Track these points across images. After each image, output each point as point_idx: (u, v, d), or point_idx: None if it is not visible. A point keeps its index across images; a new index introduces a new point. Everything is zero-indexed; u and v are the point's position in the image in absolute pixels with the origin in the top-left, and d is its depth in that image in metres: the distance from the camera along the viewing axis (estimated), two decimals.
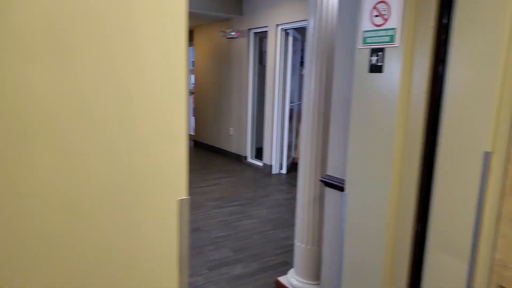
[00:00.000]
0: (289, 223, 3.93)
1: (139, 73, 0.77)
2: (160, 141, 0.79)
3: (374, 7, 1.57)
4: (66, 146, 0.72)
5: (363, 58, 1.66)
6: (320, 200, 2.46)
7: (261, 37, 6.70)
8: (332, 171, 2.21)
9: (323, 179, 2.23)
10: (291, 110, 6.44)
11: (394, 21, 1.50)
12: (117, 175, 0.77)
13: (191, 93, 9.44)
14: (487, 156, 1.32)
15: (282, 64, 6.08)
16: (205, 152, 7.79)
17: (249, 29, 6.58)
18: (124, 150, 0.77)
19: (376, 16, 1.57)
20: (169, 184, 0.79)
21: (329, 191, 2.23)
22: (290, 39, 5.98)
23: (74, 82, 0.71)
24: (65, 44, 0.69)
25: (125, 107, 0.77)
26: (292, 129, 6.67)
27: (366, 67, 1.66)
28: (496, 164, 1.31)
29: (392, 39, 1.52)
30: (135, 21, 0.75)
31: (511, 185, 1.27)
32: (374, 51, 1.60)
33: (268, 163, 6.35)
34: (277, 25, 5.94)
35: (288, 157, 6.44)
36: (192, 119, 9.12)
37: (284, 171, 6.32)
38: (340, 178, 2.13)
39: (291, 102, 6.37)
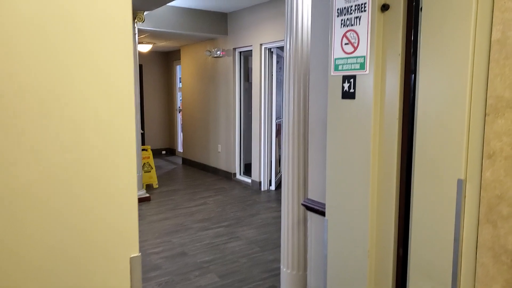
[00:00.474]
0: (277, 244, 3.88)
1: (84, 130, 0.75)
2: (110, 199, 0.76)
3: (344, 35, 1.57)
4: (17, 204, 0.68)
5: (336, 85, 1.65)
6: (304, 224, 2.43)
7: (246, 55, 6.74)
8: (313, 195, 2.18)
9: (305, 204, 2.20)
10: (278, 125, 6.44)
11: (363, 49, 1.50)
12: (66, 235, 0.73)
13: (179, 110, 9.43)
14: (461, 184, 1.30)
15: (268, 81, 6.11)
16: (194, 170, 7.73)
17: (234, 48, 6.63)
18: (74, 209, 0.74)
19: (346, 44, 1.56)
20: (120, 242, 0.76)
21: (311, 216, 2.20)
22: (274, 57, 6.03)
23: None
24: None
25: (75, 166, 0.74)
26: (280, 144, 6.66)
27: (339, 93, 1.65)
28: (470, 192, 1.29)
29: (362, 66, 1.52)
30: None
31: (486, 213, 1.26)
32: (346, 78, 1.60)
33: (257, 179, 6.31)
34: (261, 44, 5.99)
35: (277, 173, 6.41)
36: (180, 135, 9.09)
37: (273, 187, 6.28)
38: (321, 203, 2.10)
39: (278, 117, 6.38)
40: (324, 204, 2.00)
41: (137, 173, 5.23)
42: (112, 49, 0.75)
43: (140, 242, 3.99)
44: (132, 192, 0.76)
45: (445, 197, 1.35)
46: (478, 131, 1.24)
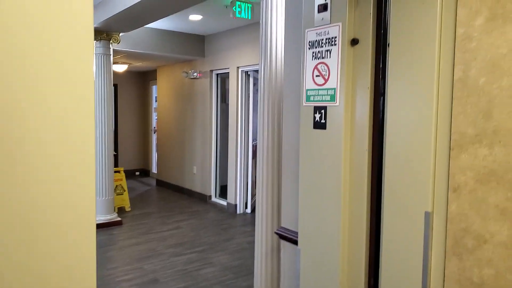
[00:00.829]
0: (252, 270, 3.81)
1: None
2: (67, 247, 0.72)
3: (315, 68, 1.60)
4: None
5: (308, 115, 1.67)
6: (277, 252, 2.40)
7: (224, 77, 6.78)
8: (286, 223, 2.17)
9: (278, 232, 2.18)
10: (254, 147, 6.45)
11: (333, 82, 1.53)
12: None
13: (154, 130, 9.32)
14: (428, 216, 1.33)
15: (244, 103, 6.15)
16: (168, 192, 7.59)
17: (211, 70, 6.66)
18: (26, 258, 0.70)
19: (317, 76, 1.59)
20: None
21: (284, 245, 2.18)
22: (251, 79, 6.10)
23: None
24: None
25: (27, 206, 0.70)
26: (257, 166, 6.65)
27: (311, 123, 1.67)
28: (437, 224, 1.31)
29: (333, 98, 1.55)
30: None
31: (452, 246, 1.27)
32: (318, 109, 1.62)
33: (233, 202, 6.25)
34: (238, 67, 6.05)
35: (253, 195, 6.37)
36: (155, 156, 8.95)
37: (249, 210, 6.23)
38: (295, 231, 2.08)
39: (254, 139, 6.39)
40: (297, 233, 1.99)
41: (109, 196, 5.08)
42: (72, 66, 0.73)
43: (111, 269, 3.84)
44: (91, 239, 0.73)
45: (413, 228, 1.37)
46: (443, 165, 1.27)
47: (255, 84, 6.20)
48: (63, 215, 0.74)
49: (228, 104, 6.45)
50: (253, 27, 5.61)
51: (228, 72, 6.28)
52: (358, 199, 1.58)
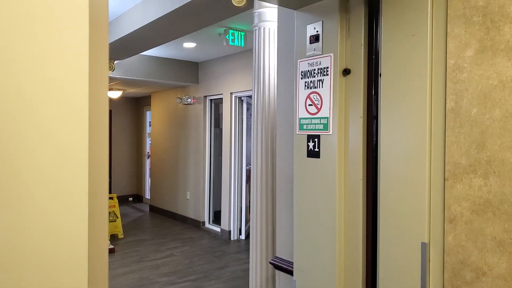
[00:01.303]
0: None
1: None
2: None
3: (308, 97, 1.61)
4: None
5: (301, 143, 1.67)
6: (272, 283, 2.34)
7: (217, 103, 6.82)
8: (281, 253, 2.12)
9: (273, 262, 2.13)
10: (248, 171, 6.41)
11: (326, 111, 1.53)
12: None
13: (148, 156, 9.27)
14: (425, 247, 1.30)
15: (238, 128, 6.16)
16: (161, 218, 7.47)
17: (205, 96, 6.71)
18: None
19: (310, 105, 1.60)
20: None
21: (279, 275, 2.13)
22: (244, 105, 6.13)
23: None
24: None
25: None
26: (251, 195, 6.58)
27: (304, 152, 1.66)
28: (434, 256, 1.29)
29: (326, 127, 1.54)
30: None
31: (450, 278, 1.25)
32: (311, 137, 1.62)
33: (226, 228, 6.15)
34: (231, 93, 6.10)
35: (247, 221, 6.29)
36: (148, 181, 8.85)
37: (243, 236, 6.13)
38: (290, 261, 2.04)
39: (248, 163, 6.36)
40: (293, 263, 1.94)
41: None
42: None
43: None
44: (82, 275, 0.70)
45: (410, 260, 1.34)
46: (439, 195, 1.26)
47: (248, 109, 6.23)
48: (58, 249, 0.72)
49: (221, 129, 6.46)
50: (246, 53, 5.69)
51: (222, 98, 6.32)
52: (354, 228, 1.55)
